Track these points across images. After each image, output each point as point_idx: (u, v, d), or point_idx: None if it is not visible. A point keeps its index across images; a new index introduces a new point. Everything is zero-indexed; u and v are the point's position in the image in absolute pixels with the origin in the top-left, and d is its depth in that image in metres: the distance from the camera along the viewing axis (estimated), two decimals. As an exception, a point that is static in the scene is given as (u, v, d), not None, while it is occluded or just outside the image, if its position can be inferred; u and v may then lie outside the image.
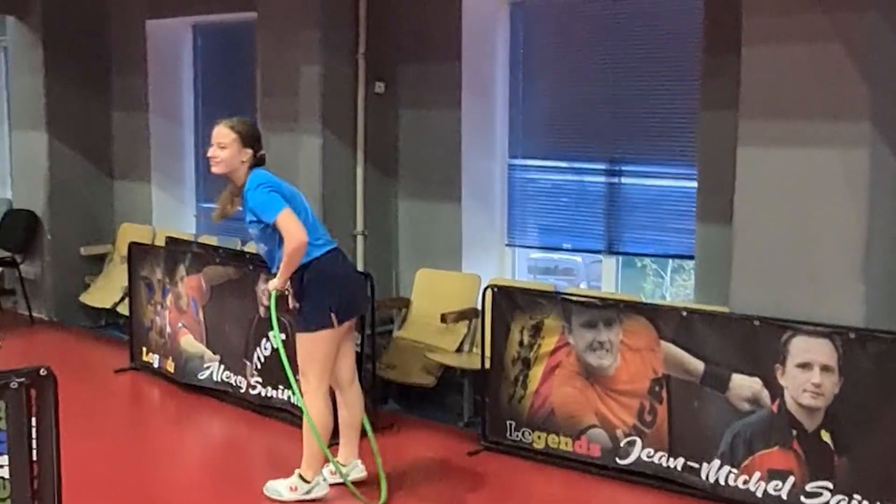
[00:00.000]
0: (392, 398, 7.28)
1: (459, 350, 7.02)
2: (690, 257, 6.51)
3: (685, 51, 6.42)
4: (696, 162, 6.30)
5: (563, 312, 5.86)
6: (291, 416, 6.36)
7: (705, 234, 6.20)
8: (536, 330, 5.95)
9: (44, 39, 9.36)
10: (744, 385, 5.23)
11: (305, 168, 7.34)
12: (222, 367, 7.04)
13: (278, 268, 5.14)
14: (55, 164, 9.51)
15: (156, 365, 7.66)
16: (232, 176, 5.20)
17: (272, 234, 5.10)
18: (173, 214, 9.62)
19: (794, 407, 5.08)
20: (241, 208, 5.26)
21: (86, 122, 9.63)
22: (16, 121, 9.90)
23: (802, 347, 5.05)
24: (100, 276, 9.57)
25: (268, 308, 5.39)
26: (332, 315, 5.13)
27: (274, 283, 5.17)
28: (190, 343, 7.29)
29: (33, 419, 3.92)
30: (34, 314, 9.55)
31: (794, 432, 5.08)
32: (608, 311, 5.73)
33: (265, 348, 6.64)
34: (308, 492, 5.32)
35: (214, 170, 5.21)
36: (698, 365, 5.38)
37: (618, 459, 5.68)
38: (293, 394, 5.36)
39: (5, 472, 3.86)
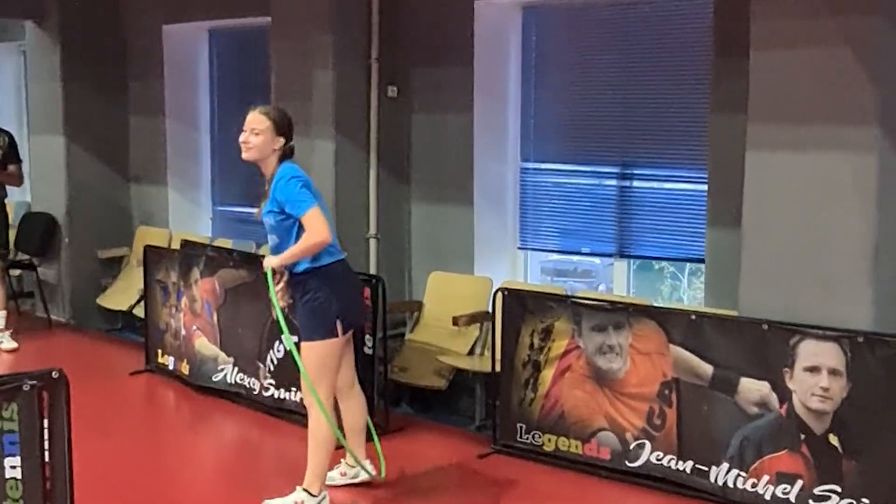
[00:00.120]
0: (404, 401, 7.33)
1: (471, 353, 7.06)
2: (701, 261, 6.52)
3: (696, 54, 6.43)
4: (706, 165, 6.32)
5: (572, 316, 5.88)
6: (304, 417, 6.35)
7: (716, 238, 6.21)
8: (546, 333, 5.97)
9: (62, 44, 9.46)
10: (752, 389, 5.23)
11: (319, 172, 7.37)
12: (236, 369, 7.10)
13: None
14: (73, 167, 9.61)
15: (171, 367, 7.72)
16: (262, 163, 5.11)
17: (290, 228, 5.01)
18: (190, 217, 9.70)
19: (802, 410, 5.08)
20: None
21: (103, 127, 9.72)
22: (34, 125, 10.00)
23: (811, 351, 5.05)
24: (117, 279, 9.66)
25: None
26: (339, 323, 5.08)
27: (273, 261, 5.06)
28: (204, 345, 7.35)
29: (45, 421, 3.96)
30: (52, 316, 9.63)
31: (803, 436, 5.08)
32: (617, 314, 5.74)
33: (278, 351, 6.69)
34: None
35: (245, 156, 5.11)
36: (707, 368, 5.40)
37: (627, 462, 5.69)
38: (312, 394, 5.25)
39: (18, 474, 3.91)
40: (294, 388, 6.56)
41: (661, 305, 6.37)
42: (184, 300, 7.53)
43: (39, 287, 9.69)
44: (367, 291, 6.39)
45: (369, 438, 5.61)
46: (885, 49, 5.09)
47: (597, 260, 7.43)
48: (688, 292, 9.95)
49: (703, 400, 5.42)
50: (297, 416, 6.56)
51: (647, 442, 5.63)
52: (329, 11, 7.34)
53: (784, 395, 5.13)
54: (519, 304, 6.11)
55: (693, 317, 5.50)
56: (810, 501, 5.05)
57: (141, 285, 8.34)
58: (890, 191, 5.14)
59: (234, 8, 8.65)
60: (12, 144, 8.63)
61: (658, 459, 5.59)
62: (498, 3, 7.31)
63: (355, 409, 5.51)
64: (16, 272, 9.75)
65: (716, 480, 5.36)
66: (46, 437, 3.97)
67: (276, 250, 5.11)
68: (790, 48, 5.26)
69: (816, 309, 5.19)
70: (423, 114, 7.62)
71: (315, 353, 5.09)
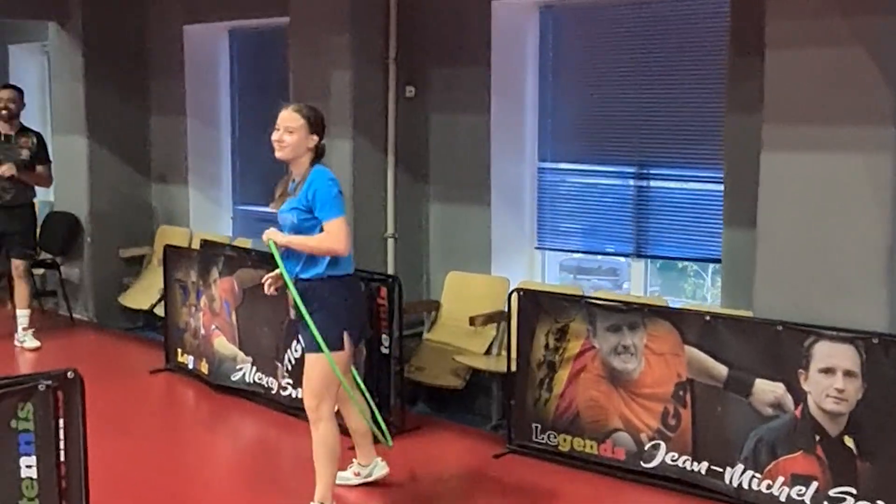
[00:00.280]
0: (421, 400, 7.34)
1: (488, 353, 7.08)
2: (718, 261, 6.51)
3: (713, 54, 6.41)
4: (723, 165, 6.30)
5: (587, 316, 5.89)
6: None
7: (732, 238, 6.20)
8: (562, 333, 5.98)
9: (84, 45, 9.53)
10: (767, 390, 5.22)
11: (336, 172, 7.21)
12: (254, 368, 7.14)
13: (296, 272, 5.00)
14: (95, 167, 9.68)
15: (190, 366, 7.77)
16: (294, 162, 5.03)
17: (311, 229, 4.93)
18: (211, 217, 9.75)
19: (817, 412, 5.07)
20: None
21: (125, 126, 9.78)
22: (57, 125, 10.08)
23: (825, 352, 5.04)
24: (138, 278, 9.73)
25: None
26: (346, 335, 4.99)
27: (278, 237, 4.96)
28: (223, 345, 7.39)
29: (61, 421, 4.00)
30: (74, 315, 9.72)
31: (818, 437, 5.07)
32: (632, 314, 5.74)
33: (296, 350, 6.71)
34: None
35: (279, 154, 5.00)
36: (722, 369, 5.39)
37: (642, 463, 5.69)
38: (350, 395, 5.24)
39: (34, 473, 3.95)
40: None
41: (676, 306, 6.33)
42: (203, 299, 7.58)
43: (62, 286, 9.78)
44: (384, 291, 6.43)
45: (372, 415, 5.56)
46: (901, 49, 5.07)
47: (622, 258, 7.42)
48: (711, 291, 9.93)
49: (717, 401, 5.41)
50: (314, 415, 6.60)
51: (661, 443, 5.62)
52: (347, 12, 7.36)
53: (799, 396, 5.12)
54: (534, 304, 6.11)
55: (707, 317, 5.49)
56: (825, 503, 5.04)
57: (161, 284, 8.39)
58: (906, 191, 5.12)
59: (253, 8, 8.69)
60: (41, 145, 8.71)
61: (673, 460, 5.59)
62: (515, 3, 7.31)
63: (356, 412, 5.47)
64: (39, 271, 9.84)
65: (730, 482, 5.36)
66: (62, 436, 4.01)
67: (289, 251, 5.02)
68: (805, 48, 5.24)
69: (831, 310, 5.17)
70: (440, 114, 7.63)
71: (321, 365, 4.96)
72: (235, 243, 8.52)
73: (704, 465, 5.47)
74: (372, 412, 5.58)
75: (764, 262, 5.49)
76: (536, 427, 6.09)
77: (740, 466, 5.32)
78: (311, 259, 4.96)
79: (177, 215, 9.81)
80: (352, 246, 5.03)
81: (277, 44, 8.55)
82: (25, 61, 11.54)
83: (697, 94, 6.59)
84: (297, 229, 4.97)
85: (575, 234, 7.45)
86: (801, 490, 5.11)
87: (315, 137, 5.01)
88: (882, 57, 5.04)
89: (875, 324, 5.04)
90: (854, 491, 4.96)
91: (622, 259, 7.37)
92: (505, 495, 5.66)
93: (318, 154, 5.06)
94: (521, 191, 7.51)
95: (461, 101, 7.48)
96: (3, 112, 8.55)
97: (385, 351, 6.46)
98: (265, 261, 7.19)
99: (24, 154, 8.54)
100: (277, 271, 5.11)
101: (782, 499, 5.17)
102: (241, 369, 7.24)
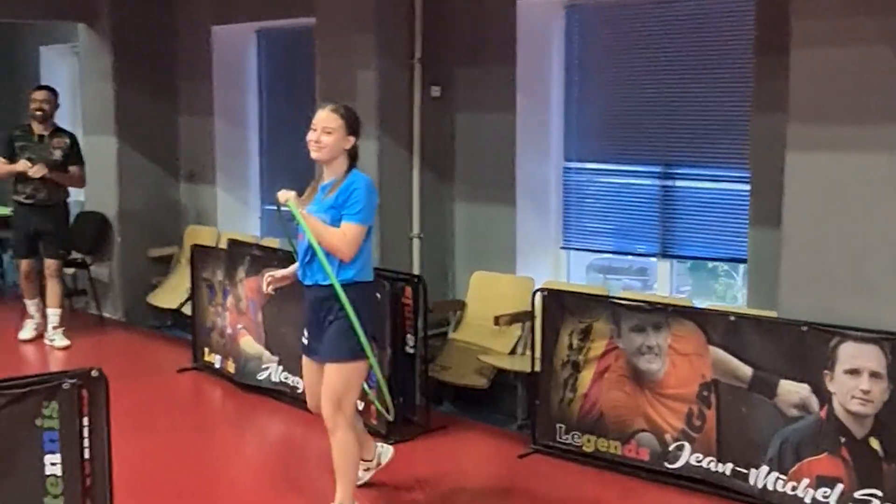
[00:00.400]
0: (447, 400, 7.35)
1: (513, 352, 7.07)
2: (744, 261, 6.47)
3: (738, 53, 6.38)
4: (749, 165, 6.27)
5: (612, 316, 5.87)
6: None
7: (758, 238, 6.16)
8: (586, 333, 5.97)
9: (113, 46, 9.62)
10: (792, 391, 5.19)
11: (362, 172, 7.41)
12: (280, 367, 7.18)
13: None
14: (124, 167, 9.77)
15: (217, 365, 7.82)
16: (330, 163, 4.93)
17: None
18: (239, 216, 9.80)
19: (842, 413, 5.04)
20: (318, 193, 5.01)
21: (154, 127, 9.86)
22: (87, 125, 10.16)
23: (851, 353, 5.00)
24: (166, 278, 9.79)
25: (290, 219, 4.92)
26: (373, 342, 4.96)
27: (294, 203, 4.84)
28: (249, 344, 7.43)
29: (85, 419, 4.04)
30: (104, 314, 9.81)
31: (843, 439, 5.03)
32: (656, 315, 5.72)
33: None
34: None
35: (317, 155, 4.89)
36: (746, 370, 5.36)
37: (666, 464, 5.67)
38: (371, 364, 5.02)
39: (58, 470, 4.00)
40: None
41: (700, 306, 6.30)
42: (229, 299, 7.63)
43: (92, 285, 9.86)
44: (409, 291, 6.45)
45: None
46: (928, 47, 5.02)
47: (653, 258, 7.40)
48: (742, 291, 9.87)
49: (742, 402, 5.38)
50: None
51: (686, 443, 5.60)
52: (372, 12, 7.38)
53: (824, 397, 5.09)
54: (558, 304, 6.11)
55: (732, 318, 5.47)
56: (850, 505, 5.01)
57: (189, 284, 8.45)
58: (932, 191, 5.08)
59: (280, 9, 8.73)
60: (74, 146, 8.78)
61: (697, 461, 5.56)
62: (540, 2, 7.31)
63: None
64: (69, 270, 9.92)
65: (755, 483, 5.33)
66: (86, 434, 4.05)
67: (304, 247, 4.93)
68: (830, 47, 5.21)
69: (856, 310, 5.13)
70: (465, 113, 7.63)
71: (342, 373, 4.90)
72: (263, 243, 8.56)
73: (729, 466, 5.44)
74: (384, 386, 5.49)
75: (789, 261, 5.45)
76: (561, 427, 6.09)
77: (765, 468, 5.29)
78: (342, 263, 4.84)
79: (205, 215, 9.87)
80: (371, 251, 4.98)
81: (304, 44, 8.58)
82: (56, 62, 11.65)
83: (723, 93, 6.55)
84: None
85: (600, 233, 7.43)
86: (826, 492, 5.08)
87: (352, 139, 4.93)
88: (908, 55, 5.00)
89: (901, 324, 5.00)
90: (880, 493, 4.92)
91: (653, 259, 7.33)
92: (529, 495, 5.66)
93: (354, 156, 4.98)
94: (546, 190, 7.49)
95: (487, 100, 7.48)
96: (38, 113, 8.64)
97: (410, 350, 6.48)
98: (292, 261, 7.26)
99: (57, 154, 8.62)
100: (279, 271, 5.13)
101: (807, 501, 5.13)
102: (266, 368, 7.28)
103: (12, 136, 8.65)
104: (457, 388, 7.28)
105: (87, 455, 4.06)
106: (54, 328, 8.72)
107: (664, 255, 7.03)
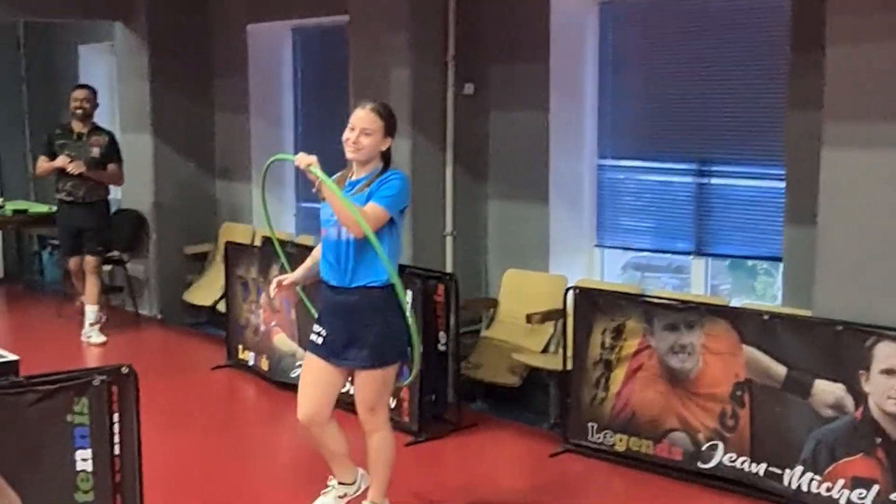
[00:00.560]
0: (479, 397, 7.33)
1: (545, 351, 7.05)
2: (779, 259, 6.40)
3: (773, 49, 6.31)
4: (784, 162, 6.20)
5: (644, 315, 5.83)
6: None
7: (793, 236, 6.09)
8: (618, 332, 5.94)
9: (149, 44, 9.68)
10: (827, 391, 5.13)
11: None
12: (313, 365, 7.17)
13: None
14: (160, 165, 9.83)
15: (251, 363, 7.85)
16: (366, 163, 4.78)
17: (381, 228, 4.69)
18: (274, 214, 9.77)
19: (878, 414, 4.97)
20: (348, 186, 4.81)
21: (190, 124, 9.92)
22: (124, 123, 10.24)
23: (887, 353, 4.94)
24: (202, 275, 9.85)
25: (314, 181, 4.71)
26: (406, 346, 4.85)
27: (316, 169, 4.61)
28: (283, 342, 7.46)
29: (115, 415, 4.08)
30: (140, 311, 9.88)
31: (879, 440, 4.97)
32: (689, 313, 5.68)
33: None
34: None
35: (352, 156, 4.73)
36: (780, 370, 5.30)
37: (699, 464, 5.63)
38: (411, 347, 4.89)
39: (89, 466, 4.04)
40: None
41: (734, 305, 6.25)
42: (263, 296, 7.65)
43: (128, 282, 9.94)
44: (442, 289, 6.44)
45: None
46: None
47: (691, 257, 7.35)
48: (781, 290, 9.78)
49: (776, 401, 5.33)
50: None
51: (719, 443, 5.55)
52: (406, 9, 7.37)
53: (859, 397, 5.03)
54: (590, 302, 6.08)
55: (766, 317, 5.41)
56: (886, 507, 4.95)
57: (224, 281, 8.49)
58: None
59: (315, 6, 8.75)
60: (113, 144, 8.87)
61: (731, 461, 5.51)
62: (574, -1, 7.28)
63: (338, 434, 5.12)
64: (106, 267, 10.00)
65: (789, 484, 5.28)
66: (116, 430, 4.08)
67: (332, 242, 4.79)
68: (866, 43, 5.13)
69: (893, 310, 5.06)
70: (499, 111, 7.60)
71: (380, 378, 4.81)
72: (297, 241, 8.58)
73: (763, 466, 5.39)
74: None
75: (824, 260, 5.39)
76: (593, 426, 6.05)
77: (799, 468, 5.24)
78: (370, 265, 4.68)
79: (240, 212, 9.91)
80: (397, 257, 4.86)
81: (339, 42, 8.59)
82: (94, 61, 11.73)
83: (758, 90, 6.48)
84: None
85: (635, 231, 7.38)
86: (861, 493, 5.01)
87: (389, 140, 4.79)
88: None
89: (938, 324, 4.92)
90: (916, 495, 4.86)
91: (689, 257, 7.27)
92: (560, 495, 5.64)
93: (388, 158, 4.83)
94: (580, 188, 7.45)
95: (520, 98, 7.45)
96: (78, 111, 8.76)
97: (442, 348, 6.48)
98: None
99: (95, 152, 8.71)
100: (288, 276, 5.03)
101: (842, 502, 5.08)
102: (300, 366, 7.27)
103: (52, 135, 8.80)
104: (489, 386, 7.27)
105: (117, 451, 4.09)
106: (91, 325, 8.80)
107: (699, 253, 6.97)
